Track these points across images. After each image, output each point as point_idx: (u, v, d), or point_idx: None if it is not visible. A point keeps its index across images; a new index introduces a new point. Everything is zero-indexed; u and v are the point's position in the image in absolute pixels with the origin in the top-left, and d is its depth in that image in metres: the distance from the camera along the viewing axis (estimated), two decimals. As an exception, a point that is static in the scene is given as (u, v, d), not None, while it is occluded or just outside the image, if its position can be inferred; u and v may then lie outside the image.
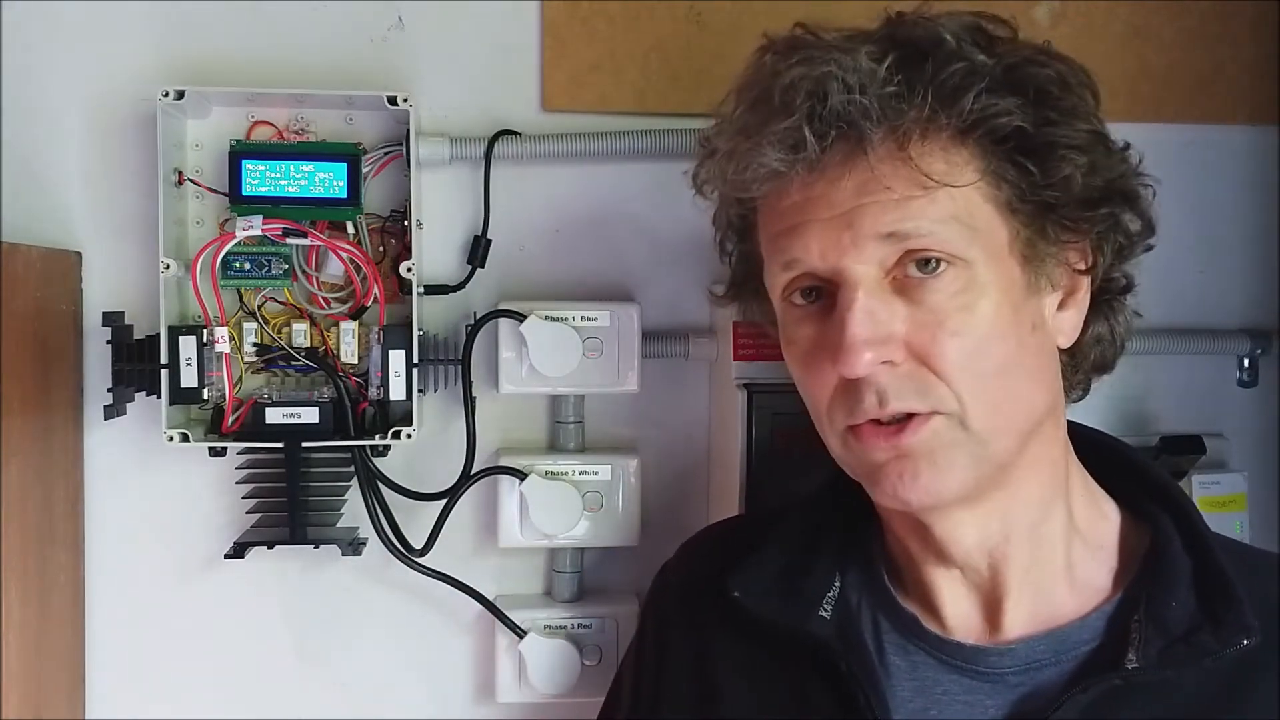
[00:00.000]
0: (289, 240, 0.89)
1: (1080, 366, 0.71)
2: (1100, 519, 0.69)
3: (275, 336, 0.92)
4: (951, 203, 0.62)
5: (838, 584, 0.71)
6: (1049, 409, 0.66)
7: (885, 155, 0.62)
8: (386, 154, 0.93)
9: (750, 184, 0.65)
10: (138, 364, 0.89)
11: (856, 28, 0.65)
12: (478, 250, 0.96)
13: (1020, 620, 0.66)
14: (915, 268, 0.62)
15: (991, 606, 0.67)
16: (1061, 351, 0.68)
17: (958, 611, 0.68)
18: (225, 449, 0.90)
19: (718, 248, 0.78)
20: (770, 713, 0.70)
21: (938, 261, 0.61)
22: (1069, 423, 0.71)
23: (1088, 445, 0.72)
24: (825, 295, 0.65)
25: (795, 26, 0.67)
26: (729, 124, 0.67)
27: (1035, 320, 0.65)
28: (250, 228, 0.88)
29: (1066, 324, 0.67)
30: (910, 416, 0.62)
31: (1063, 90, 0.64)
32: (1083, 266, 0.67)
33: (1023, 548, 0.66)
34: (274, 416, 0.89)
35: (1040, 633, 0.66)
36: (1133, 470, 0.71)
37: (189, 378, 0.88)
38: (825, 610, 0.69)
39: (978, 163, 0.63)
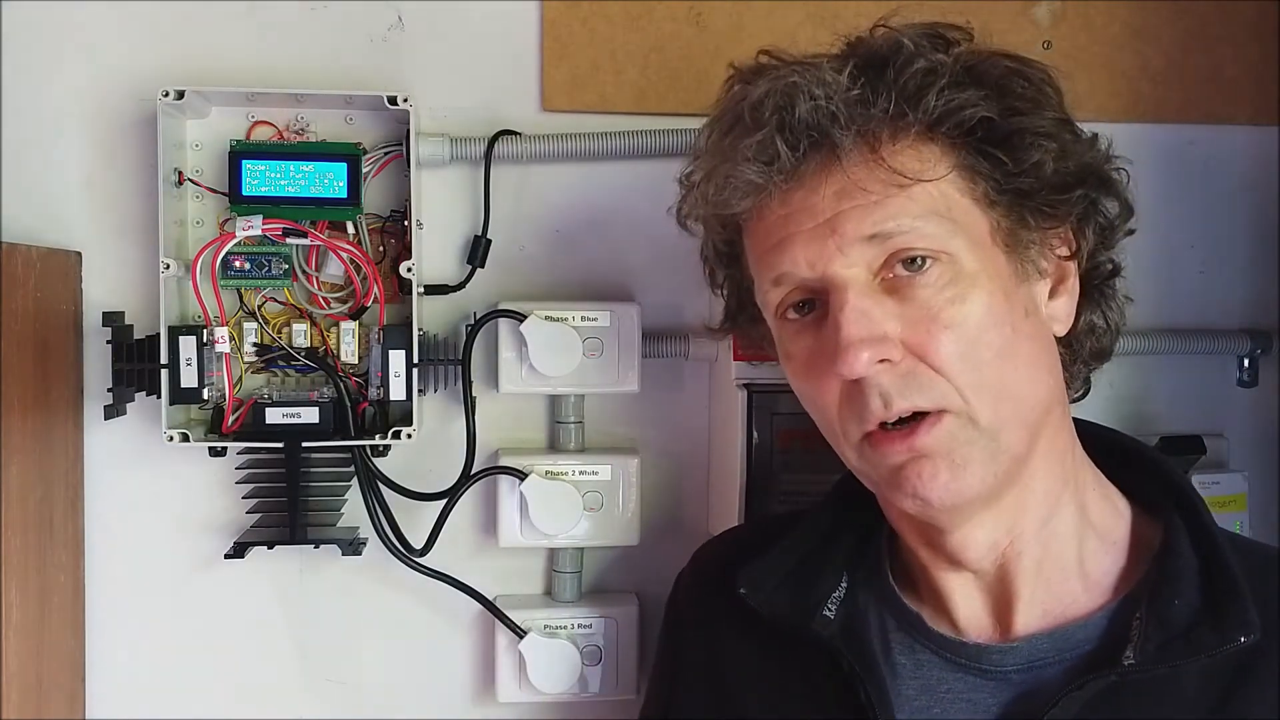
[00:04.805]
0: (289, 240, 0.89)
1: (1078, 356, 0.71)
2: (1113, 515, 0.69)
3: (275, 336, 0.92)
4: (929, 199, 0.63)
5: (844, 585, 0.71)
6: (1053, 398, 0.66)
7: (858, 160, 0.63)
8: (386, 154, 0.93)
9: (730, 201, 0.66)
10: (138, 364, 0.89)
11: (821, 51, 0.67)
12: (478, 250, 0.96)
13: (1033, 619, 0.66)
14: (902, 267, 0.63)
15: (1003, 606, 0.67)
16: (1059, 342, 0.68)
17: (969, 613, 0.68)
18: (225, 449, 0.91)
19: (708, 280, 0.79)
20: (781, 711, 0.70)
21: (923, 259, 0.62)
22: (1082, 420, 0.71)
23: (1100, 442, 0.72)
24: (818, 306, 0.66)
25: (760, 54, 0.69)
26: (705, 154, 0.69)
27: (1028, 306, 0.65)
28: (250, 228, 0.88)
29: (1060, 311, 0.68)
30: (920, 417, 0.62)
31: (1024, 83, 0.65)
32: (1066, 252, 0.68)
33: (1033, 545, 0.66)
34: (274, 416, 0.89)
35: (1046, 630, 0.66)
36: (1145, 466, 0.71)
37: (189, 378, 0.87)
38: (830, 610, 0.70)
39: (949, 159, 0.64)
